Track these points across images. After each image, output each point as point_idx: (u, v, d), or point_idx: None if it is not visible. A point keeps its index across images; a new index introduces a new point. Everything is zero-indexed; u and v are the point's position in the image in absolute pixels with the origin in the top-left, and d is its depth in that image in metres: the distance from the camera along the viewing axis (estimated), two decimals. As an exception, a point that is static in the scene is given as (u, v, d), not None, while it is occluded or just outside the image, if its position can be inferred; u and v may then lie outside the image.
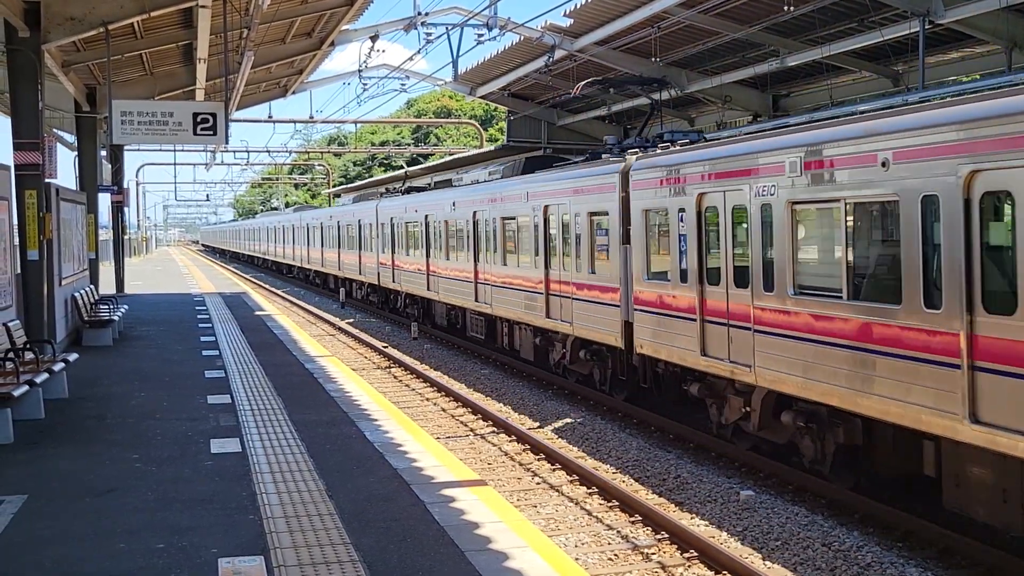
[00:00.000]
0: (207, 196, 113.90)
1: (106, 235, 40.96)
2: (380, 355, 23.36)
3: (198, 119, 17.95)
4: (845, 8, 18.36)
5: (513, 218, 19.29)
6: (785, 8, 17.89)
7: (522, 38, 25.13)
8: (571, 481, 12.02)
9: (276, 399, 12.92)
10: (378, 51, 28.01)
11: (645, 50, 22.85)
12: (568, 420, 15.47)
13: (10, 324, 13.19)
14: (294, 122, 49.33)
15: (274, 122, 45.68)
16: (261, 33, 21.93)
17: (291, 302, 38.85)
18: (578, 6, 21.80)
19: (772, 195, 10.81)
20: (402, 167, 67.95)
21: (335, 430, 11.02)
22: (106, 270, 35.06)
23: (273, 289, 46.91)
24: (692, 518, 10.47)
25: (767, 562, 9.14)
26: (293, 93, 36.28)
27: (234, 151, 64.12)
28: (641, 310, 14.14)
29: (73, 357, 13.74)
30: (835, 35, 19.57)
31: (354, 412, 12.06)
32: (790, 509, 10.52)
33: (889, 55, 19.86)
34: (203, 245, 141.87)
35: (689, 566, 9.06)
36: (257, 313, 26.25)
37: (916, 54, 17.13)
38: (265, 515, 7.72)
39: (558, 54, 24.60)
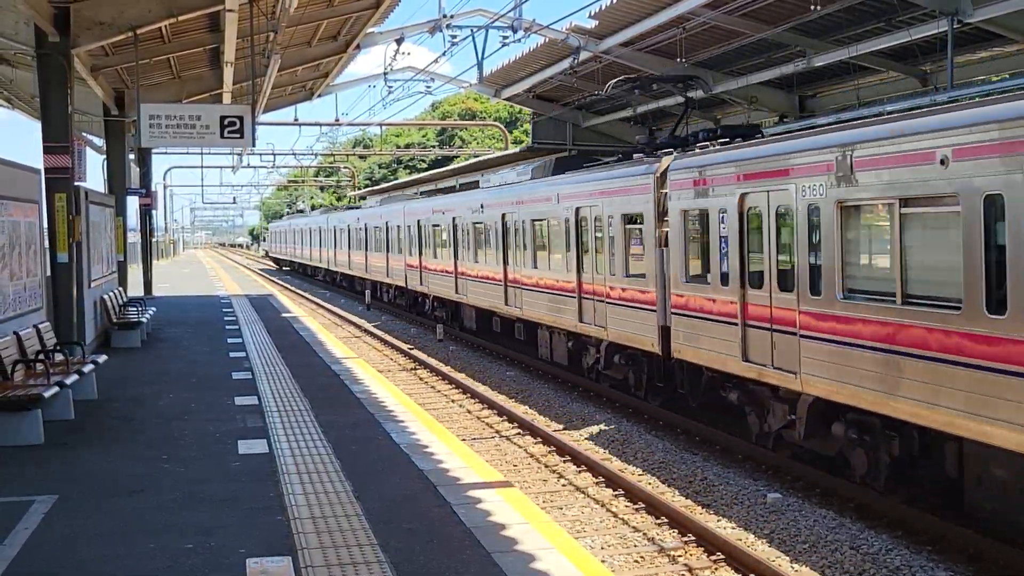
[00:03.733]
0: (234, 199, 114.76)
1: (134, 238, 41.30)
2: (406, 357, 23.42)
3: (225, 122, 18.06)
4: (872, 8, 18.21)
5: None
6: (811, 8, 17.76)
7: (547, 40, 25.09)
8: (597, 483, 12.00)
9: (303, 400, 12.97)
10: (403, 54, 28.08)
11: (671, 51, 22.75)
12: (594, 422, 15.44)
13: (40, 326, 13.33)
14: (319, 125, 49.56)
15: (300, 125, 45.93)
16: (287, 36, 22.04)
17: (317, 304, 39.00)
18: (603, 7, 21.73)
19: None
20: (427, 169, 68.08)
21: (361, 431, 11.06)
22: (134, 272, 35.34)
23: (299, 291, 47.10)
24: (719, 521, 10.42)
25: (794, 565, 9.08)
26: (319, 96, 36.42)
27: (260, 154, 64.45)
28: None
29: (102, 358, 13.85)
30: (862, 35, 19.41)
31: (380, 413, 12.10)
32: (818, 512, 10.45)
33: (917, 55, 19.68)
34: (273, 259, 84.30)
35: (716, 569, 9.03)
36: (283, 315, 26.38)
37: (944, 54, 16.97)
38: (292, 516, 7.75)
39: (583, 56, 24.54)
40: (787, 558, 9.26)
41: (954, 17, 16.14)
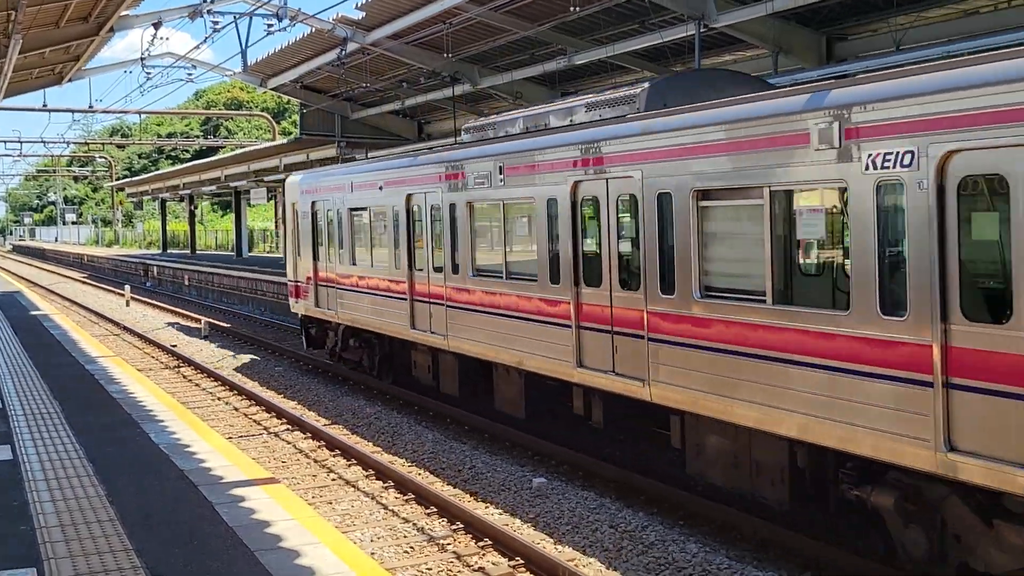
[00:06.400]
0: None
1: None
2: (168, 354, 22.51)
3: (-39, 106, 16.76)
4: (628, 10, 19.03)
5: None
6: (571, 8, 18.37)
7: (314, 30, 24.75)
8: (367, 476, 11.99)
9: (53, 403, 12.26)
10: (162, 39, 27.00)
11: (438, 45, 22.96)
12: (364, 415, 15.39)
13: None
14: (72, 111, 46.85)
15: (49, 111, 43.22)
16: (31, 16, 20.64)
17: (71, 301, 36.82)
18: (370, -1, 21.67)
19: None
20: (192, 159, 65.58)
21: (118, 433, 10.58)
22: None
23: (50, 288, 44.31)
24: (487, 507, 10.64)
25: (558, 546, 9.40)
26: (70, 80, 34.30)
27: (5, 141, 60.51)
28: None
29: None
30: (618, 36, 20.27)
31: (138, 414, 11.61)
32: (580, 494, 10.86)
33: (668, 56, 20.73)
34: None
35: (484, 554, 9.22)
36: (32, 313, 24.77)
37: (693, 56, 17.97)
38: (39, 524, 7.33)
39: (351, 47, 24.38)
40: (551, 540, 9.58)
41: (701, 21, 17.11)
